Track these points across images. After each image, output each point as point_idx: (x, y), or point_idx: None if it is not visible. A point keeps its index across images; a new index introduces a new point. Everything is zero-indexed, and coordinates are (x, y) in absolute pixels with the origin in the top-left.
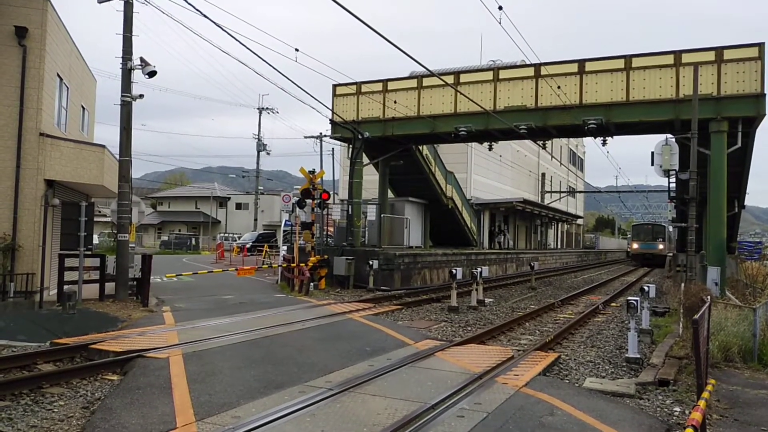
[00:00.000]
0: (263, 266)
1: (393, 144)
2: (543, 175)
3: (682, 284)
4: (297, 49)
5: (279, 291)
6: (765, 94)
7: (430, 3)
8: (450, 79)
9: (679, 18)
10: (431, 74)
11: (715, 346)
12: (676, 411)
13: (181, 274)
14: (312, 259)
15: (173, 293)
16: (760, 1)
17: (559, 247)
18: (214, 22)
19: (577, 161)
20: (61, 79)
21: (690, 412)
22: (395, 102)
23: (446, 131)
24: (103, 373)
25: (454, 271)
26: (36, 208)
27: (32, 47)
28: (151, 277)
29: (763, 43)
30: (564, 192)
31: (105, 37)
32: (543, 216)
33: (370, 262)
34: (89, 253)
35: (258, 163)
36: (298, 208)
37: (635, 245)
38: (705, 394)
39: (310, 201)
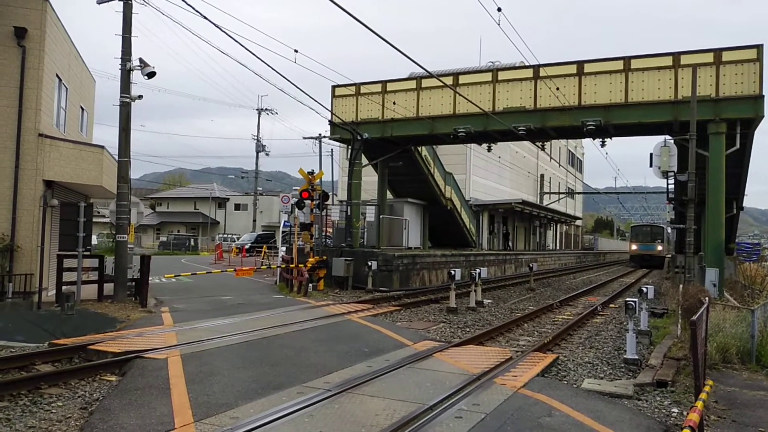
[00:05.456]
0: (262, 267)
1: (392, 145)
2: (542, 176)
3: (681, 285)
4: (296, 50)
5: (277, 292)
6: (763, 96)
7: (430, 4)
8: (449, 81)
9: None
10: (430, 75)
11: (714, 348)
12: (674, 412)
13: (179, 275)
14: (311, 260)
15: (172, 294)
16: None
17: (557, 248)
18: (214, 23)
19: (575, 162)
20: (60, 80)
21: (688, 413)
22: (394, 103)
23: (445, 132)
24: (101, 373)
25: (452, 272)
26: (35, 209)
27: (31, 48)
28: (150, 278)
29: (762, 45)
30: (563, 193)
31: (104, 38)
32: (542, 217)
33: (369, 263)
34: (88, 253)
35: (257, 163)
36: (297, 209)
37: (634, 246)
38: (703, 395)
39: (309, 202)
